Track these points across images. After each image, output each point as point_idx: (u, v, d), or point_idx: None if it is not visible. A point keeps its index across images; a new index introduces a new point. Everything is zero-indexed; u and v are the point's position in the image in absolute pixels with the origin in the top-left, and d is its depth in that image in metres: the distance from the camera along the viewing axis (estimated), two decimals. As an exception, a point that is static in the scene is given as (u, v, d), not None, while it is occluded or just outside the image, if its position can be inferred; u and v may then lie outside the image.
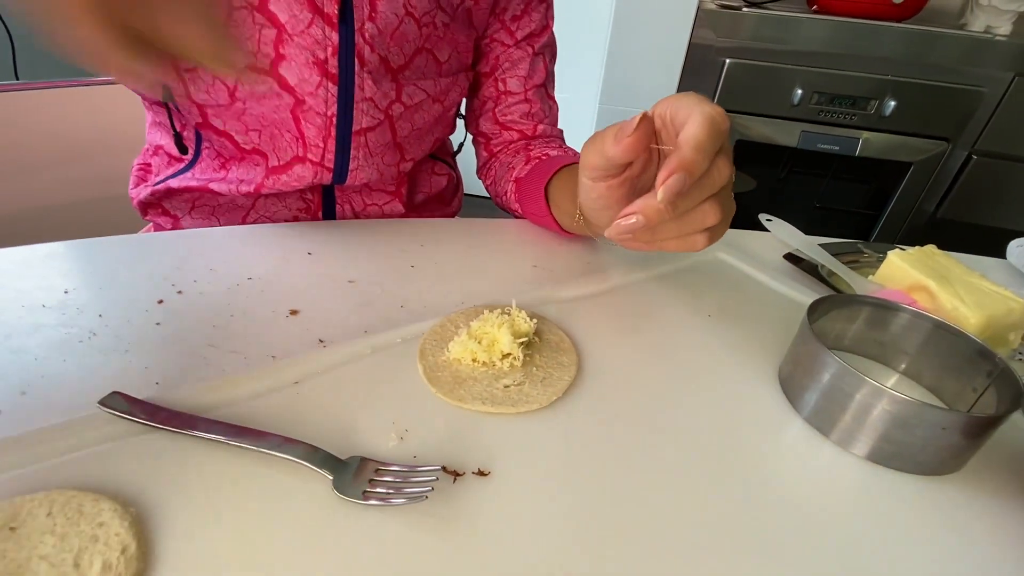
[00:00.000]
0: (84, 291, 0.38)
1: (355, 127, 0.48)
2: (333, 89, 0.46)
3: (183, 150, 0.52)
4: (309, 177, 0.49)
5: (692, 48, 1.40)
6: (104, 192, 0.73)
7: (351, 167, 0.51)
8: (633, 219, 0.31)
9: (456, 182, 0.70)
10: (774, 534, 0.26)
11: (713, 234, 0.34)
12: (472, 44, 0.55)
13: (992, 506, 0.28)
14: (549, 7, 0.58)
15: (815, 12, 1.33)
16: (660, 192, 0.29)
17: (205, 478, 0.25)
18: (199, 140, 0.52)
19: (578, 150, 0.58)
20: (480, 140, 0.62)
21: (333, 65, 0.45)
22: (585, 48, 1.63)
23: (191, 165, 0.53)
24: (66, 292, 0.38)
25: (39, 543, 0.21)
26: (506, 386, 0.32)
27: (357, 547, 0.23)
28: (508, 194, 0.57)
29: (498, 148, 0.60)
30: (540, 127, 0.59)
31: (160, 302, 0.38)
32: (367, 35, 0.45)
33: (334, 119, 0.47)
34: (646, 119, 0.30)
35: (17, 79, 1.31)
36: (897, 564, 0.25)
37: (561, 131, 0.62)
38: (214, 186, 0.51)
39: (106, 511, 0.23)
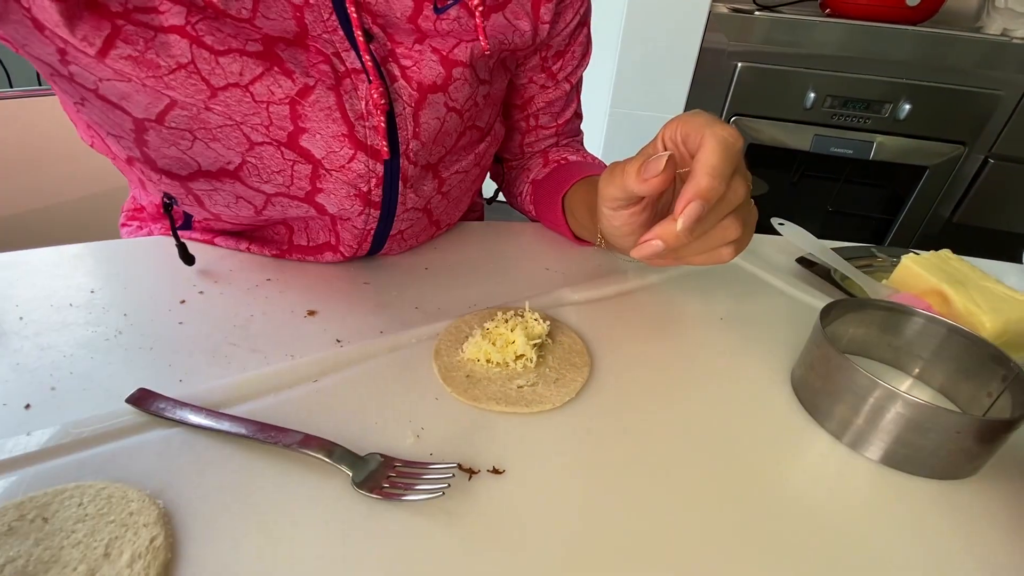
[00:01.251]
0: (109, 291, 0.39)
1: (392, 231, 0.44)
2: (375, 214, 0.41)
3: (174, 216, 0.45)
4: (339, 260, 0.45)
5: (703, 52, 1.40)
6: (112, 185, 0.74)
7: (383, 251, 0.47)
8: (654, 244, 0.31)
9: (481, 208, 0.67)
10: (787, 536, 0.26)
11: (737, 246, 0.34)
12: (507, 85, 0.51)
13: (1006, 511, 0.28)
14: (589, 34, 0.53)
15: (828, 15, 1.32)
16: (680, 221, 0.29)
17: (228, 472, 0.26)
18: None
19: (594, 154, 0.58)
20: (496, 163, 0.60)
21: (377, 195, 0.40)
22: (596, 53, 1.64)
23: (189, 223, 0.47)
24: (92, 292, 0.39)
25: (71, 532, 0.22)
26: (520, 387, 0.32)
27: (375, 541, 0.24)
28: (524, 195, 0.57)
29: (515, 164, 0.59)
30: (563, 140, 0.58)
31: (182, 302, 0.39)
32: (411, 155, 0.40)
33: (372, 232, 0.43)
34: (672, 160, 0.30)
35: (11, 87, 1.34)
36: (910, 568, 0.25)
37: (582, 132, 0.61)
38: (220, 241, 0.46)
39: (134, 502, 0.23)
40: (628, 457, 0.29)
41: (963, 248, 0.47)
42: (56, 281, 0.39)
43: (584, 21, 0.51)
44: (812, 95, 1.33)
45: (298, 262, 0.45)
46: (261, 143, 0.36)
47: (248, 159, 0.37)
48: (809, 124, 1.37)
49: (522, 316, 0.36)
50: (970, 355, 0.33)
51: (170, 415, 0.28)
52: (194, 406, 0.29)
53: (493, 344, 0.34)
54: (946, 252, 0.46)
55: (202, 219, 0.44)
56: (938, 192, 1.42)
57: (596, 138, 1.55)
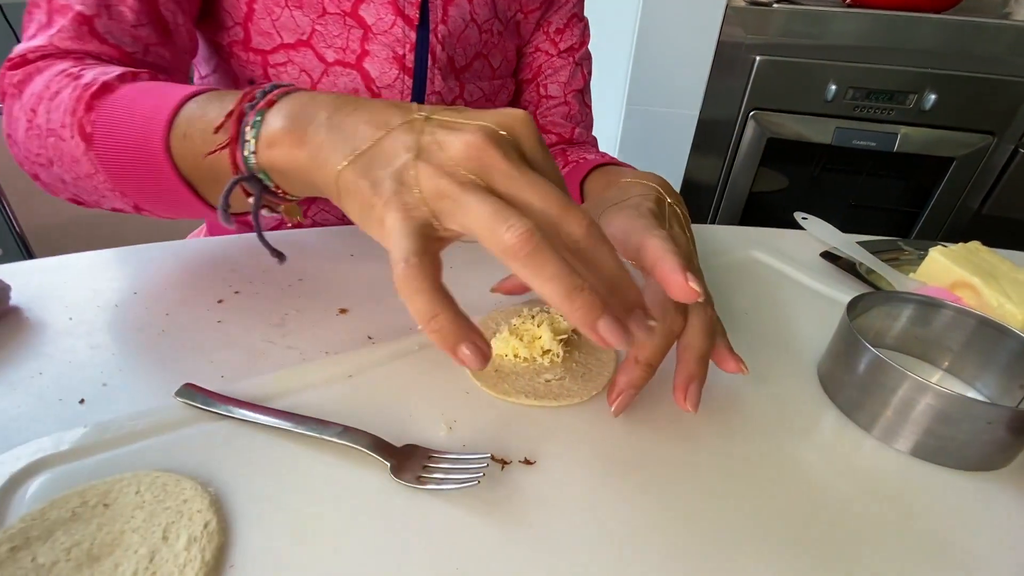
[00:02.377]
0: (151, 292, 0.41)
1: None
2: (408, 82, 0.51)
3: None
4: None
5: (721, 46, 1.38)
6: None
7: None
8: (628, 395, 0.30)
9: None
10: (818, 528, 0.26)
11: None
12: (516, 53, 0.59)
13: (1042, 503, 0.28)
14: (587, 26, 0.63)
15: (849, 5, 1.30)
16: (688, 407, 0.29)
17: (272, 463, 0.27)
18: None
19: (608, 152, 0.60)
20: None
21: (410, 60, 0.50)
22: (611, 48, 1.63)
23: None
24: (135, 293, 0.40)
25: (131, 518, 0.24)
26: (547, 380, 0.33)
27: (414, 527, 0.25)
28: None
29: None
30: (577, 130, 0.61)
31: (220, 301, 0.40)
32: (440, 35, 0.51)
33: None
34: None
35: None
36: (942, 559, 0.25)
37: (595, 138, 0.65)
38: None
39: (188, 490, 0.25)
40: (655, 449, 0.30)
41: (994, 240, 0.47)
42: (101, 283, 0.41)
43: (579, 5, 0.61)
44: (833, 87, 1.31)
45: (328, 264, 0.46)
46: (332, 13, 0.47)
47: (317, 27, 0.48)
48: (830, 117, 1.35)
49: (548, 312, 0.37)
50: (1001, 347, 0.33)
51: (216, 409, 0.29)
52: (238, 400, 0.30)
53: (520, 340, 0.35)
54: (975, 244, 0.45)
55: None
56: (966, 184, 1.39)
57: (611, 135, 1.55)
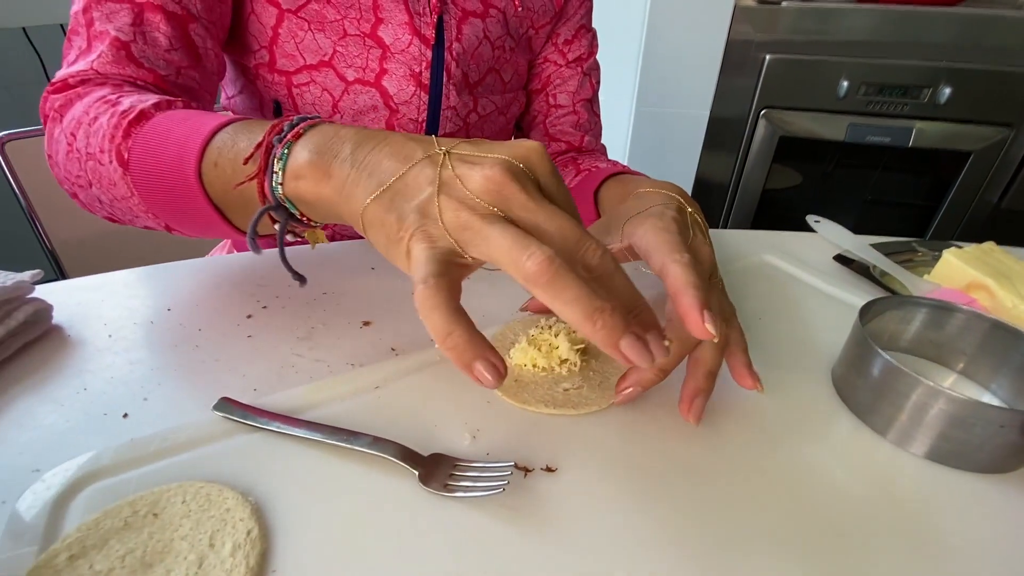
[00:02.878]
0: (184, 308, 0.43)
1: (440, 132, 0.56)
2: (424, 98, 0.54)
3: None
4: None
5: (730, 45, 1.38)
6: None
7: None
8: (631, 392, 0.32)
9: None
10: (834, 532, 0.27)
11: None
12: (527, 67, 0.62)
13: (1058, 505, 0.28)
14: (595, 36, 0.65)
15: (859, 1, 1.29)
16: (691, 418, 0.31)
17: (307, 473, 0.29)
18: None
19: (619, 156, 0.62)
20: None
21: (426, 77, 0.53)
22: (619, 48, 1.64)
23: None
24: (169, 310, 0.42)
25: (179, 526, 0.25)
26: (566, 389, 0.34)
27: (442, 534, 0.26)
28: None
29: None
30: (586, 138, 0.63)
31: (249, 316, 0.42)
32: (455, 53, 0.53)
33: (424, 124, 0.55)
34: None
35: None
36: (956, 561, 0.26)
37: (604, 147, 0.67)
38: None
39: (230, 499, 0.26)
40: (673, 456, 0.31)
41: (1014, 235, 0.47)
42: (136, 301, 0.43)
43: (587, 16, 0.64)
44: (845, 83, 1.30)
45: (350, 278, 0.48)
46: (352, 35, 0.50)
47: (338, 48, 0.50)
48: (843, 113, 1.34)
49: (564, 323, 0.38)
50: (1015, 350, 0.33)
51: (252, 422, 0.31)
52: (272, 413, 0.31)
53: (539, 350, 0.36)
54: (990, 244, 0.45)
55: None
56: (984, 177, 1.37)
57: (621, 139, 1.55)
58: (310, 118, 0.31)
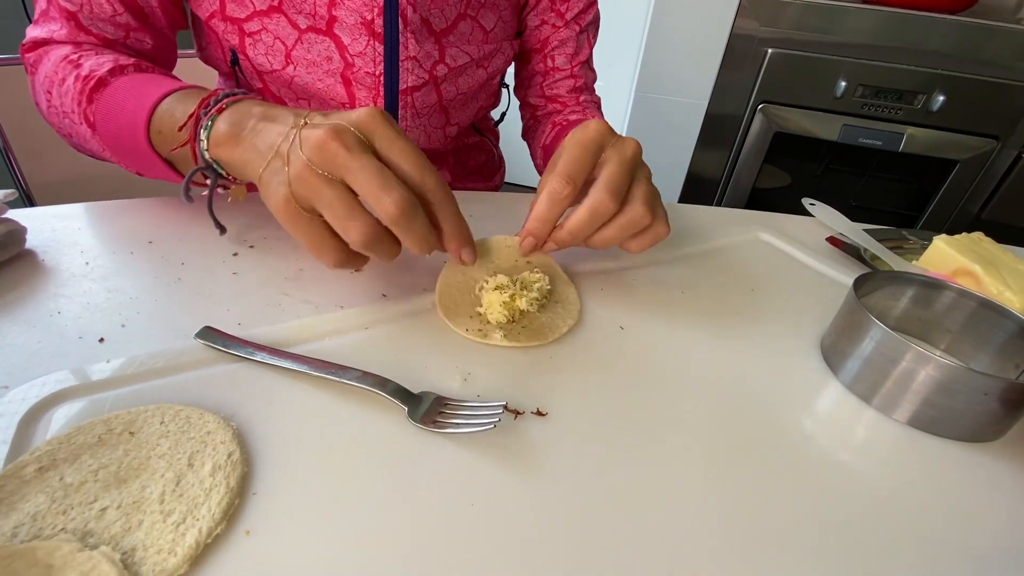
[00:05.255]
0: (166, 242, 0.41)
1: (401, 86, 0.52)
2: (379, 48, 0.50)
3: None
4: None
5: (733, 37, 1.38)
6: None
7: (400, 126, 0.54)
8: (528, 241, 0.38)
9: (498, 159, 0.72)
10: (815, 495, 0.27)
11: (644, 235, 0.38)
12: (515, 10, 0.57)
13: (1030, 475, 0.29)
14: None
15: (864, 3, 1.30)
16: (522, 247, 0.38)
17: (292, 404, 0.28)
18: None
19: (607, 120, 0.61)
20: (526, 108, 0.67)
21: (378, 25, 0.49)
22: (622, 34, 1.63)
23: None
24: (150, 242, 0.41)
25: (156, 445, 0.24)
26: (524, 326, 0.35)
27: (430, 467, 0.26)
28: (538, 159, 0.62)
29: (542, 115, 0.65)
30: (582, 97, 0.62)
31: (235, 255, 0.41)
32: None
33: (381, 78, 0.51)
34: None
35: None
36: (936, 526, 0.26)
37: (599, 98, 0.65)
38: None
39: (211, 422, 0.25)
40: (664, 412, 0.31)
41: (994, 241, 0.47)
42: (116, 231, 0.41)
43: None
44: (843, 84, 1.31)
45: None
46: None
47: None
48: (838, 114, 1.36)
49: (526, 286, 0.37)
50: (999, 328, 0.34)
51: (236, 351, 0.30)
52: (257, 344, 0.30)
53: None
54: (978, 234, 0.46)
55: (250, 80, 0.54)
56: (968, 187, 1.40)
57: (618, 122, 1.54)
58: (234, 94, 0.37)
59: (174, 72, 0.50)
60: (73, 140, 0.47)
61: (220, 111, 0.35)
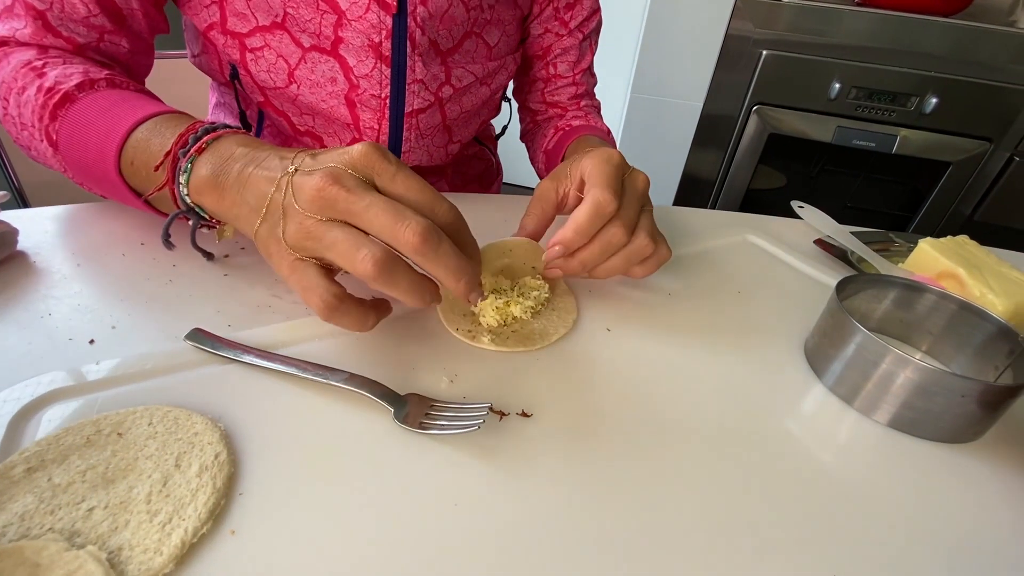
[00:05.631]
0: (158, 243, 0.41)
1: (407, 108, 0.51)
2: (387, 71, 0.48)
3: (247, 127, 0.56)
4: None
5: (728, 39, 1.39)
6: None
7: (403, 148, 0.53)
8: (552, 268, 0.37)
9: (496, 167, 0.73)
10: (796, 494, 0.28)
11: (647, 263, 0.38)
12: (518, 23, 0.57)
13: (1008, 475, 0.30)
14: None
15: (858, 5, 1.30)
16: (552, 269, 0.37)
17: (280, 405, 0.28)
18: (261, 119, 0.55)
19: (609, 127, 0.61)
20: (526, 111, 0.66)
21: (386, 48, 0.47)
22: (618, 36, 1.63)
23: None
24: (142, 244, 0.41)
25: (144, 446, 0.25)
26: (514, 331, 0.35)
27: (415, 467, 0.26)
28: (538, 163, 0.62)
29: (542, 119, 0.65)
30: (583, 103, 0.62)
31: (226, 256, 0.41)
32: (418, 18, 0.47)
33: (387, 101, 0.50)
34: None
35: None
36: (914, 525, 0.27)
37: (599, 103, 0.65)
38: None
39: (198, 424, 0.26)
40: (649, 412, 0.31)
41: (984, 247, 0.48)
42: (108, 233, 0.42)
43: None
44: (837, 85, 1.32)
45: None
46: None
47: (288, 9, 0.46)
48: (832, 115, 1.36)
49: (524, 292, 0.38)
50: (979, 331, 0.34)
51: (225, 353, 0.30)
52: (246, 347, 0.31)
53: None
54: (963, 237, 0.47)
55: (250, 95, 0.52)
56: (960, 189, 1.41)
57: (614, 123, 1.54)
58: (216, 128, 0.33)
59: (152, 74, 0.49)
60: (32, 153, 0.42)
61: (200, 151, 0.32)
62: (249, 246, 0.42)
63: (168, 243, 0.36)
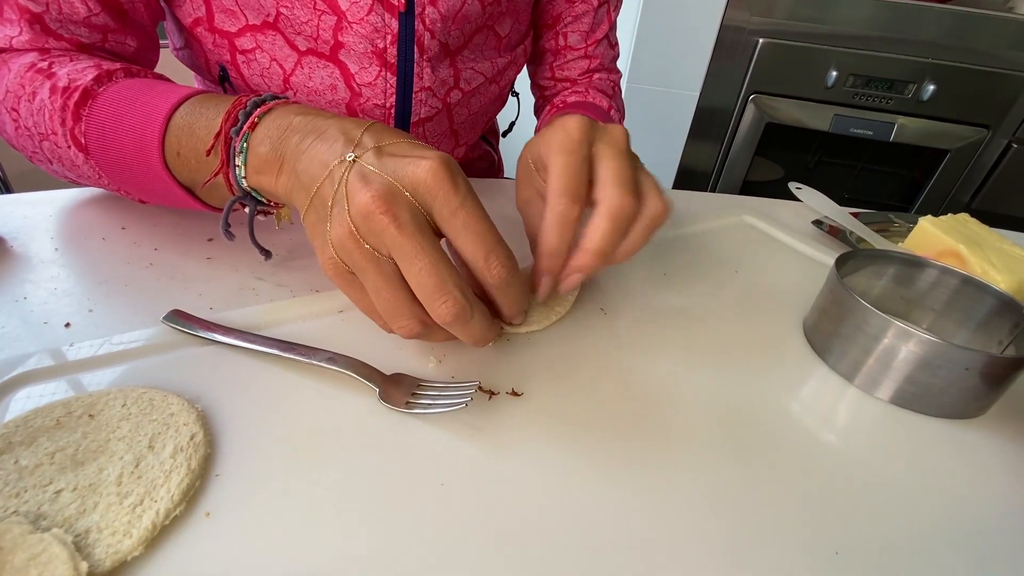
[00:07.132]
0: (140, 227, 0.40)
1: (413, 118, 0.47)
2: (392, 80, 0.44)
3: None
4: None
5: (724, 28, 1.37)
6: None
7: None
8: (572, 279, 0.31)
9: (498, 163, 0.71)
10: (797, 473, 0.27)
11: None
12: (531, 5, 0.52)
13: (1012, 452, 0.29)
14: None
15: (855, -9, 1.29)
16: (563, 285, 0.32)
17: (261, 386, 0.27)
18: None
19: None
20: (536, 89, 0.62)
21: (392, 55, 0.43)
22: (614, 27, 1.61)
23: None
24: (123, 228, 0.40)
25: (116, 428, 0.24)
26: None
27: (400, 447, 0.25)
28: None
29: (550, 95, 0.60)
30: (596, 76, 0.57)
31: (210, 240, 0.40)
32: (427, 21, 0.43)
33: (393, 111, 0.46)
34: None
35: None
36: (918, 502, 0.26)
37: (619, 75, 0.59)
38: None
39: (174, 405, 0.25)
40: (644, 391, 0.30)
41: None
42: (88, 218, 0.41)
43: None
44: (834, 73, 1.31)
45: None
46: None
47: (282, 9, 0.41)
48: (829, 104, 1.35)
49: None
50: (982, 305, 0.33)
51: (204, 334, 0.29)
52: (226, 328, 0.30)
53: None
54: (964, 216, 0.46)
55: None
56: (958, 177, 1.40)
57: (611, 115, 1.53)
58: (264, 100, 0.30)
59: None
60: (54, 167, 0.38)
61: (252, 127, 0.29)
62: (236, 229, 0.41)
63: (228, 234, 0.33)
